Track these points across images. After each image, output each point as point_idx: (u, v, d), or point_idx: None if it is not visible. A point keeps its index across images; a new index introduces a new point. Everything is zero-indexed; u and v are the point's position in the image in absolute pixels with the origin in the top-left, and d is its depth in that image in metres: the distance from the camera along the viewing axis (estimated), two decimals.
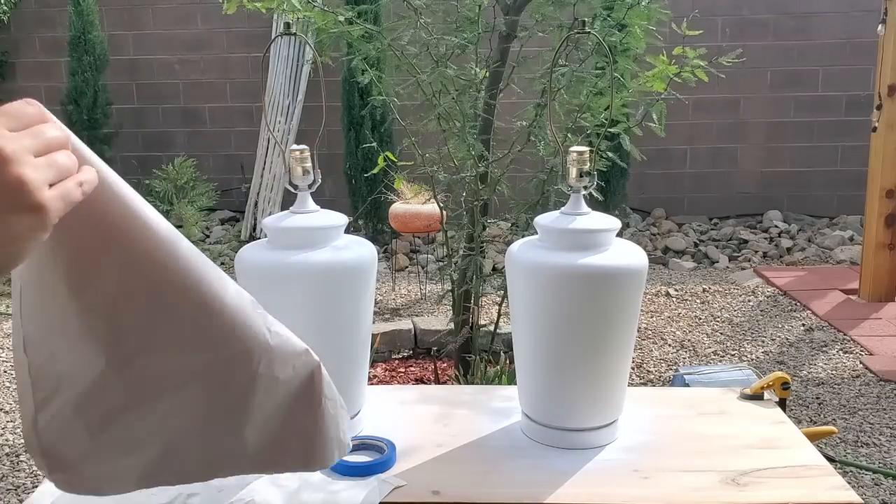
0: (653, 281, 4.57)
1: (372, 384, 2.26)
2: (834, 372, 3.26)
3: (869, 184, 4.17)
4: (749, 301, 4.20)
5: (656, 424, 1.32)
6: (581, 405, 1.23)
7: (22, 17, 6.01)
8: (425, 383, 3.08)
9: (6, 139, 0.55)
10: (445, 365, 3.21)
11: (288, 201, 1.28)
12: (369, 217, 5.43)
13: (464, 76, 2.60)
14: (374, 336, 3.09)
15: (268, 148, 5.69)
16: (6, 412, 3.06)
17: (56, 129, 0.59)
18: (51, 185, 0.57)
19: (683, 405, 1.40)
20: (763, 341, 3.62)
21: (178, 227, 5.32)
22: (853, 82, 5.70)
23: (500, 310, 2.83)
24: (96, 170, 0.64)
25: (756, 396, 1.41)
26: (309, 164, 1.25)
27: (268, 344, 0.77)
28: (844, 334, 3.66)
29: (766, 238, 5.48)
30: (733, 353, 3.50)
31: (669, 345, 3.60)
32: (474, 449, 1.24)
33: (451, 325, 2.99)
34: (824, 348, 3.51)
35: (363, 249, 1.24)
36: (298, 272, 1.17)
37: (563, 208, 1.25)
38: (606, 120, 2.24)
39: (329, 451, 0.83)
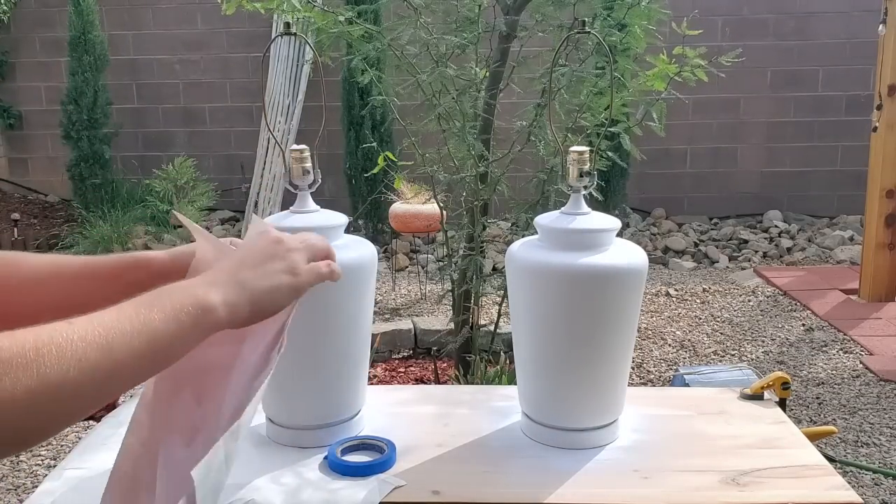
0: (653, 281, 4.57)
1: (372, 384, 2.26)
2: (834, 372, 3.26)
3: (869, 184, 4.17)
4: (749, 301, 4.19)
5: (656, 424, 1.32)
6: (581, 405, 1.23)
7: (22, 17, 6.01)
8: (425, 383, 3.08)
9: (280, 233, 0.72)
10: (445, 365, 3.21)
11: (288, 201, 1.28)
12: (369, 217, 5.43)
13: (464, 76, 2.60)
14: (374, 336, 3.09)
15: (268, 148, 5.69)
16: None
17: (323, 240, 0.75)
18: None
19: (683, 405, 1.40)
20: (763, 341, 3.62)
21: (178, 227, 5.33)
22: (853, 82, 5.69)
23: (500, 310, 2.83)
24: None
25: (756, 396, 1.41)
26: (309, 164, 1.24)
27: None
28: (844, 334, 3.65)
29: (766, 238, 5.48)
30: (733, 353, 3.50)
31: (669, 345, 3.60)
32: (474, 449, 1.24)
33: (451, 325, 2.99)
34: (824, 348, 3.51)
35: (363, 249, 1.23)
36: None
37: (563, 208, 1.24)
38: (606, 120, 2.24)
39: None
